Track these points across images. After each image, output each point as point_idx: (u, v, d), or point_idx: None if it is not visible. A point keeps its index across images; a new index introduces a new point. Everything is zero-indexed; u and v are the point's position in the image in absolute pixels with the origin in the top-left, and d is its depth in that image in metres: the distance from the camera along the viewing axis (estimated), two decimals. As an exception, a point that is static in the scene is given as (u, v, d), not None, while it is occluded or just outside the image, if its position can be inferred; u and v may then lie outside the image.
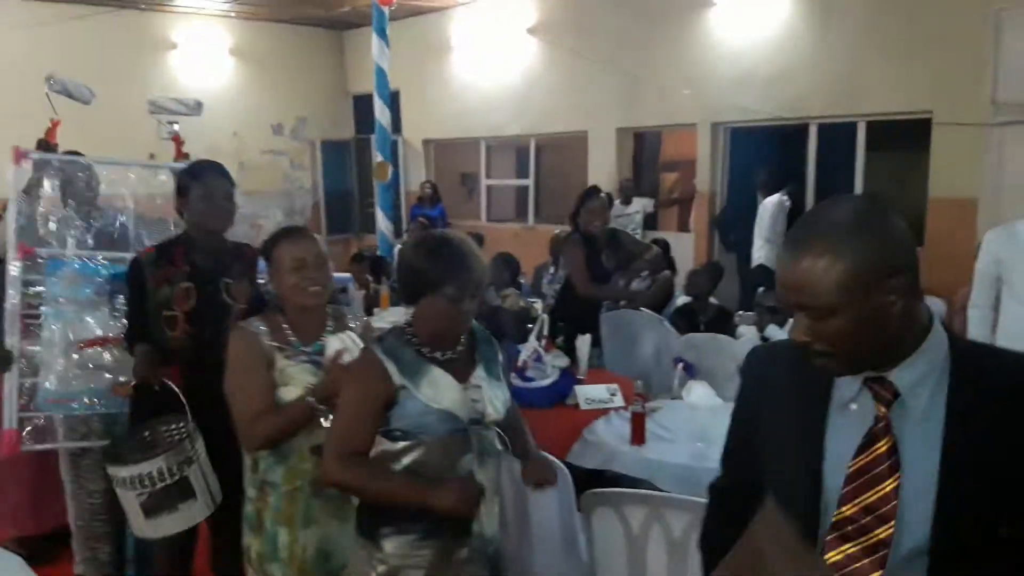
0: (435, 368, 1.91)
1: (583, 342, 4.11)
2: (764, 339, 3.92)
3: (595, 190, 4.68)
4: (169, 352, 2.57)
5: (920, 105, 6.41)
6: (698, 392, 3.33)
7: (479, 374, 1.98)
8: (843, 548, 1.17)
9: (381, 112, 6.74)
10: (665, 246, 6.54)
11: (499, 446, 2.01)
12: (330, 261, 2.33)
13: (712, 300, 5.46)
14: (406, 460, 1.88)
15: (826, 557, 1.18)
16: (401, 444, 1.88)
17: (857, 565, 1.15)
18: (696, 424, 3.19)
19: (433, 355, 1.93)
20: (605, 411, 3.50)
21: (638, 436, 3.09)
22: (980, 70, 6.00)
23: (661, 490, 3.00)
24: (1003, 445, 1.10)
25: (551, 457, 2.32)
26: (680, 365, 3.96)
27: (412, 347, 1.92)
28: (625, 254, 4.73)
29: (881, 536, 1.14)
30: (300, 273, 2.21)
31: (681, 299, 5.83)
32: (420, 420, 1.86)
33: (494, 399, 1.97)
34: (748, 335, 4.64)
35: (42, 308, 2.90)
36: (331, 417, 2.02)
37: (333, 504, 2.18)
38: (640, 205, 8.28)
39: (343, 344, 2.15)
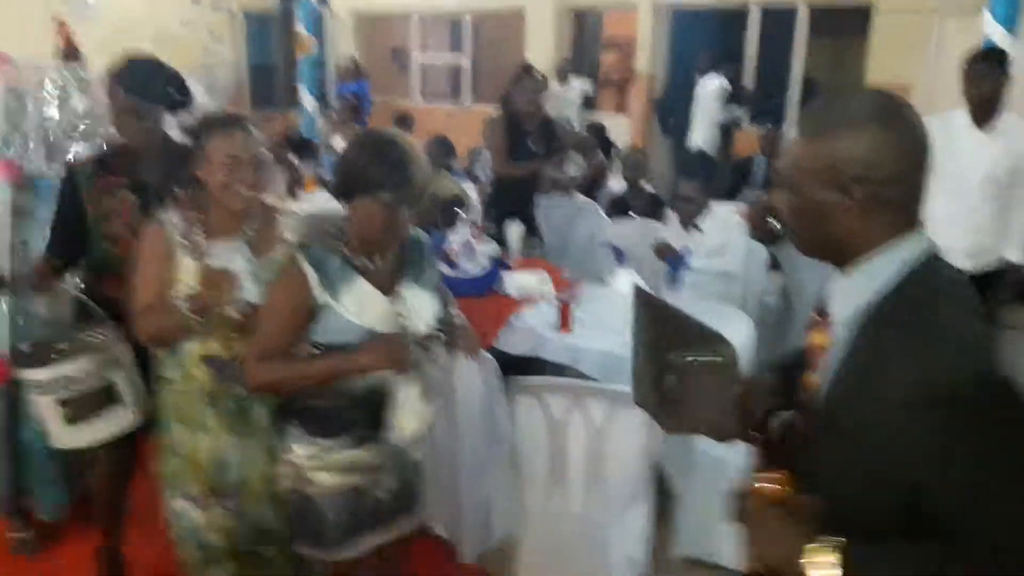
0: (361, 280, 1.83)
1: (514, 230, 4.07)
2: (687, 226, 3.92)
3: (528, 69, 4.53)
4: (107, 265, 2.37)
5: (863, -10, 6.32)
6: (624, 280, 3.34)
7: (407, 284, 1.91)
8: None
9: (305, -19, 6.35)
10: (601, 130, 6.48)
11: (425, 358, 1.95)
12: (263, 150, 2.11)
13: (645, 186, 5.44)
14: None
15: None
16: None
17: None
18: (622, 311, 3.21)
19: (361, 264, 1.85)
20: (535, 299, 3.51)
21: (565, 323, 3.11)
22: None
23: (586, 376, 3.07)
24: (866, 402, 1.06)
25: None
26: (610, 251, 3.97)
27: (339, 254, 1.83)
28: (557, 144, 4.64)
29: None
30: (232, 173, 1.98)
31: (615, 184, 5.80)
32: (341, 337, 1.81)
33: (422, 310, 1.91)
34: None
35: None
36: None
37: (231, 418, 2.07)
38: (578, 85, 8.11)
39: (233, 262, 2.00)
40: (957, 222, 3.36)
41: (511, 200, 4.50)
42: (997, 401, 0.98)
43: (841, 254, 1.13)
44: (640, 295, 1.27)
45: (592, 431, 2.33)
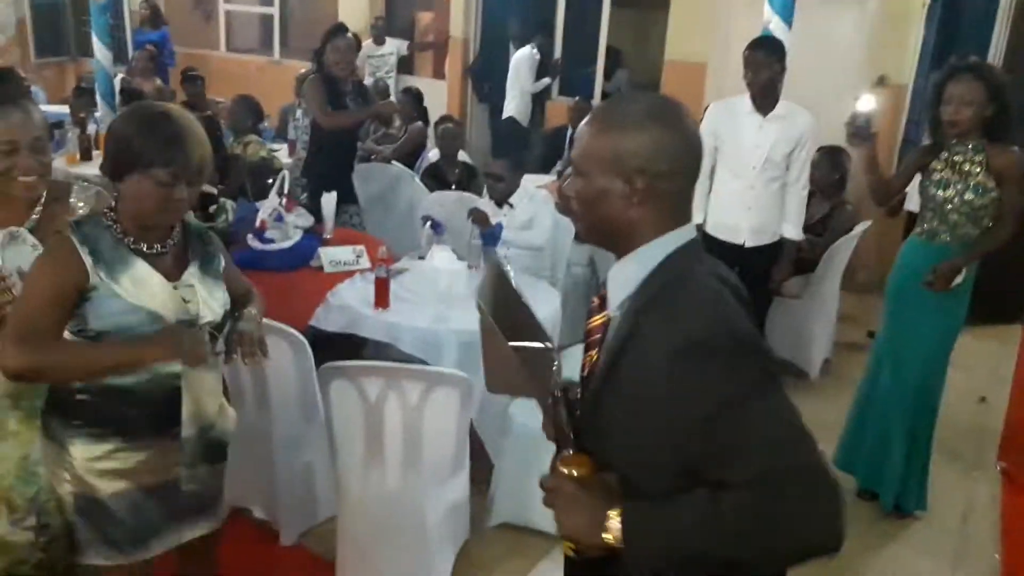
0: (139, 262, 1.72)
1: (328, 200, 3.99)
2: (499, 204, 4.02)
3: (341, 28, 4.42)
4: None
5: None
6: (441, 256, 3.39)
7: (193, 272, 1.81)
8: None
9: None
10: (418, 95, 6.42)
11: (215, 349, 1.84)
12: (48, 131, 1.92)
13: (461, 157, 5.50)
14: None
15: None
16: None
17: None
18: (439, 287, 3.28)
19: (138, 247, 1.73)
20: (351, 273, 3.48)
21: (381, 300, 3.12)
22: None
23: (404, 352, 3.11)
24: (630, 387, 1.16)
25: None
26: (428, 223, 3.99)
27: (113, 235, 1.71)
28: (368, 104, 4.57)
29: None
30: (9, 158, 1.79)
31: (432, 153, 5.81)
32: (121, 320, 1.68)
33: (210, 300, 1.81)
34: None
35: None
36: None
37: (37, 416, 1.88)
38: (394, 46, 7.98)
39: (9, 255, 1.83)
40: (740, 201, 3.69)
41: (327, 168, 4.40)
42: (746, 351, 1.10)
43: (617, 241, 1.23)
44: (495, 272, 1.32)
45: (408, 411, 2.38)
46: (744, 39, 3.80)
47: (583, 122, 1.25)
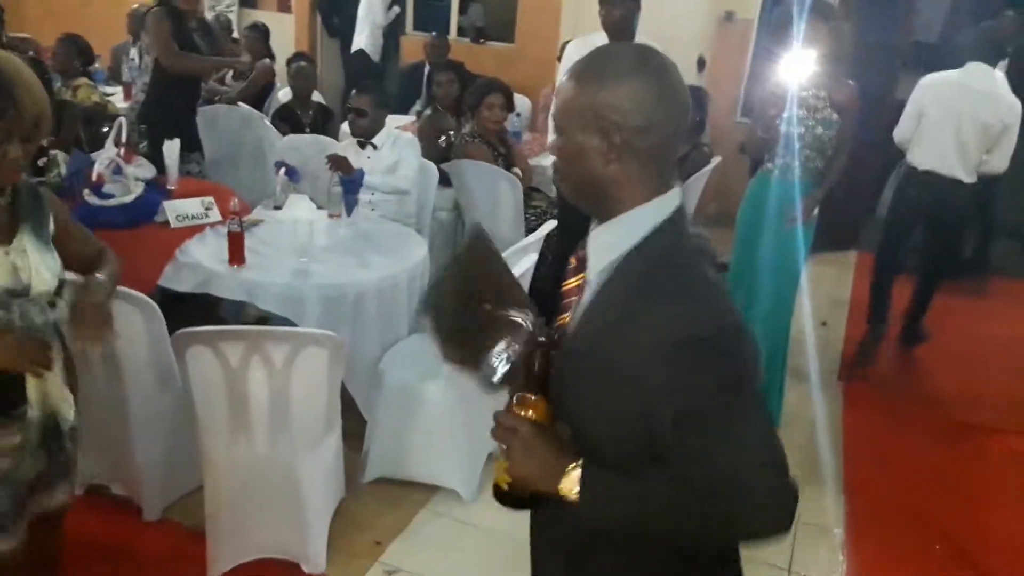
0: None
1: (171, 148, 3.71)
2: (362, 143, 3.87)
3: None
4: None
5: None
6: (298, 206, 3.24)
7: (25, 236, 1.64)
8: None
9: None
10: (264, 32, 6.05)
11: (48, 317, 1.71)
12: None
13: (315, 98, 5.24)
14: None
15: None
16: None
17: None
18: (298, 239, 3.13)
19: None
20: (200, 227, 3.27)
21: (236, 256, 2.94)
22: None
23: (263, 311, 2.97)
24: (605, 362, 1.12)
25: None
26: (282, 170, 3.79)
27: None
28: (215, 49, 4.26)
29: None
30: None
31: (283, 93, 5.52)
32: None
33: (41, 268, 1.65)
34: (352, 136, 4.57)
35: None
36: None
37: None
38: (235, -22, 7.46)
39: None
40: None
41: (168, 112, 4.08)
42: (733, 347, 1.08)
43: (599, 203, 1.17)
44: (479, 236, 1.26)
45: (274, 374, 2.27)
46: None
47: (563, 76, 1.18)
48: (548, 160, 3.97)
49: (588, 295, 1.18)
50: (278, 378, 2.29)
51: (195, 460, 2.52)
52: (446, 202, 4.42)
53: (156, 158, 3.75)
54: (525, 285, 3.09)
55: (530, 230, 4.12)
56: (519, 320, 1.20)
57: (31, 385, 1.66)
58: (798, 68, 3.02)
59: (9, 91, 1.48)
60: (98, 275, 1.82)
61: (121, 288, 2.35)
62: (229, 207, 3.07)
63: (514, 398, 1.20)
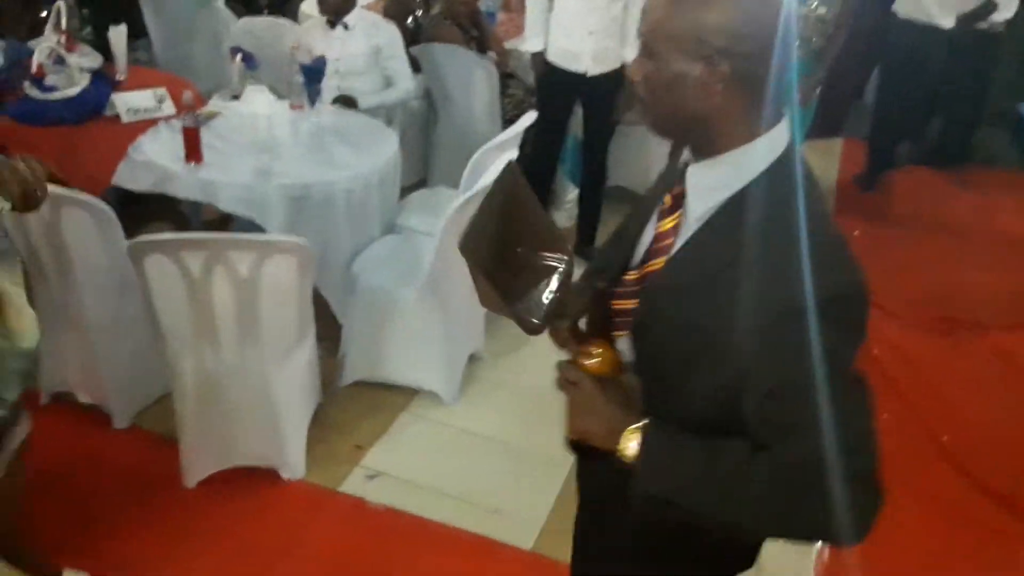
0: None
1: (118, 34, 3.42)
2: (332, 23, 3.56)
3: None
4: None
5: None
6: (257, 98, 3.02)
7: None
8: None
9: None
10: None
11: None
12: None
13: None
14: None
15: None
16: None
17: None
18: (258, 134, 2.94)
19: None
20: (154, 121, 3.05)
21: (193, 153, 2.75)
22: None
23: (222, 212, 2.82)
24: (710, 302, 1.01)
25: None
26: (239, 56, 3.53)
27: None
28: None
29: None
30: None
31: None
32: None
33: None
34: (314, 15, 4.26)
35: None
36: None
37: None
38: None
39: None
40: (582, 24, 3.48)
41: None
42: (857, 314, 0.97)
43: (696, 138, 1.04)
44: (509, 178, 1.12)
45: (239, 284, 2.15)
46: None
47: None
48: (525, 44, 3.73)
49: (685, 239, 1.06)
50: (244, 288, 2.17)
51: (159, 370, 2.43)
52: (417, 89, 4.18)
53: (101, 46, 3.47)
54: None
55: (507, 121, 3.92)
56: (554, 263, 1.11)
57: None
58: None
59: None
60: None
61: (72, 192, 2.19)
62: (183, 99, 2.86)
63: (579, 348, 1.11)
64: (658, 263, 1.09)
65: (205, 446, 2.40)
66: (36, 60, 3.06)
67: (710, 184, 1.03)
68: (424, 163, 4.26)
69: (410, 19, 4.34)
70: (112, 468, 2.49)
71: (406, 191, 3.39)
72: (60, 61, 3.12)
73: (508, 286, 1.09)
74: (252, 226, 2.73)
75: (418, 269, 2.74)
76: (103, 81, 3.21)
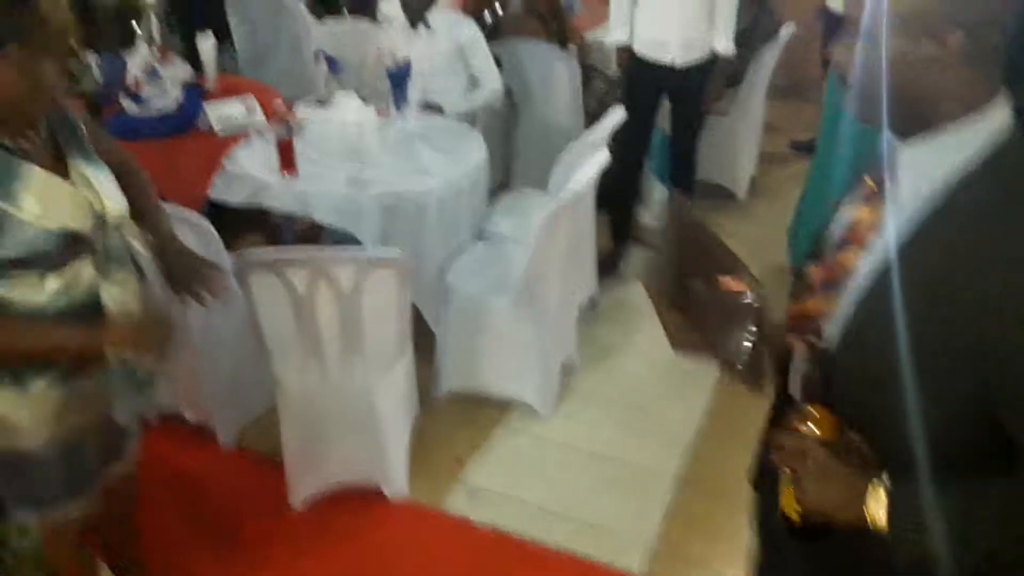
0: (33, 168, 1.40)
1: (206, 43, 3.45)
2: (413, 23, 3.52)
3: None
4: None
5: None
6: (346, 105, 3.00)
7: (78, 161, 1.49)
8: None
9: None
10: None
11: (124, 241, 1.60)
12: None
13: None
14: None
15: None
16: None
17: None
18: (348, 142, 2.92)
19: (17, 146, 1.40)
20: (245, 133, 3.07)
21: (287, 165, 2.76)
22: None
23: (318, 223, 2.82)
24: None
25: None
26: (322, 61, 3.54)
27: None
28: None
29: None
30: None
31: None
32: (36, 246, 1.38)
33: (108, 188, 1.52)
34: (393, 14, 4.22)
35: None
36: None
37: None
38: None
39: None
40: (668, 14, 3.37)
41: (196, 3, 3.80)
42: None
43: (918, 118, 0.94)
44: (675, 208, 1.10)
45: (341, 299, 2.14)
46: None
47: None
48: (610, 36, 3.62)
49: (900, 234, 0.94)
50: (347, 303, 2.16)
51: (265, 383, 2.43)
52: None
53: (189, 53, 3.51)
54: (594, 183, 2.87)
55: (590, 116, 3.84)
56: (743, 297, 1.02)
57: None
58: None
59: (31, 3, 1.30)
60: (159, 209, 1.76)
61: (174, 208, 2.21)
62: (272, 110, 2.86)
63: (794, 412, 1.00)
64: (849, 255, 0.99)
65: (310, 463, 2.40)
66: (132, 74, 3.12)
67: (927, 165, 0.94)
68: (505, 164, 4.20)
69: (489, 13, 4.27)
70: (219, 487, 2.52)
71: (489, 194, 3.34)
72: (155, 74, 3.16)
73: (704, 324, 1.02)
74: (345, 236, 2.73)
75: (510, 276, 2.70)
76: (195, 92, 3.25)
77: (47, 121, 1.49)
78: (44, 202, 1.40)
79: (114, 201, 1.54)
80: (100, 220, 1.50)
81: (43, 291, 1.43)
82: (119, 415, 1.67)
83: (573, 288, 3.01)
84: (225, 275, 1.83)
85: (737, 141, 4.16)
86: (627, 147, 3.67)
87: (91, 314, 1.51)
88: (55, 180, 1.43)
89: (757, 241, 3.44)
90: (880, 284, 0.95)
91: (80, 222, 1.45)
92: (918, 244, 0.92)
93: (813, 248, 1.09)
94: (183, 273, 1.74)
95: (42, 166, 1.43)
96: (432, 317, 2.84)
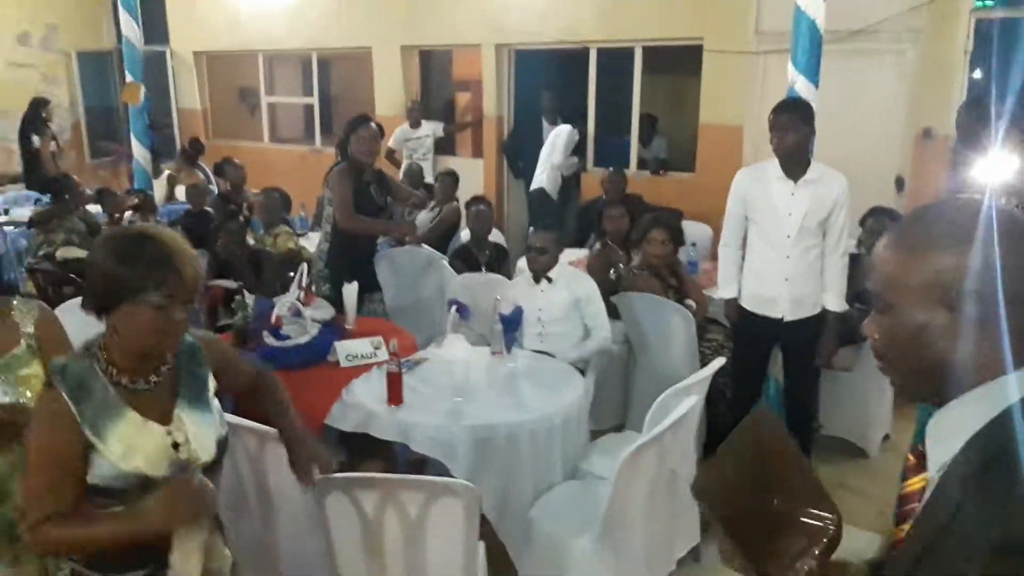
0: (130, 413, 1.62)
1: (349, 290, 3.91)
2: (537, 278, 3.84)
3: (363, 119, 4.39)
4: None
5: (691, 32, 6.56)
6: (454, 345, 3.24)
7: (185, 405, 1.71)
8: None
9: (127, 24, 5.96)
10: (455, 178, 6.39)
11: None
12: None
13: (493, 238, 5.40)
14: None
15: None
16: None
17: None
18: (454, 378, 3.13)
19: (133, 385, 1.64)
20: (368, 367, 3.36)
21: (394, 396, 2.98)
22: (746, 1, 6.21)
23: (414, 451, 2.94)
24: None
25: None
26: (454, 308, 3.87)
27: (104, 376, 1.62)
28: (389, 195, 4.53)
29: None
30: None
31: (464, 234, 5.74)
32: (111, 482, 1.59)
33: (202, 437, 1.70)
34: (526, 271, 4.61)
35: None
36: None
37: None
38: (430, 129, 8.03)
39: None
40: (777, 271, 3.46)
41: (348, 257, 4.33)
42: None
43: (940, 388, 0.96)
44: (758, 418, 1.13)
45: (408, 525, 2.20)
46: (779, 99, 3.66)
47: (879, 244, 1.01)
48: (719, 292, 3.76)
49: (927, 501, 0.96)
50: (412, 528, 2.22)
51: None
52: (616, 335, 4.27)
53: (338, 300, 3.96)
54: (692, 426, 2.86)
55: (705, 364, 3.88)
56: (819, 523, 1.01)
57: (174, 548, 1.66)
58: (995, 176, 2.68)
59: (169, 260, 1.58)
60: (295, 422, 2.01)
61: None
62: (390, 347, 3.14)
63: None
64: (904, 529, 0.99)
65: None
66: (276, 312, 3.56)
67: (946, 431, 0.95)
68: (623, 408, 4.26)
69: (612, 271, 4.55)
70: None
71: (602, 435, 3.38)
72: (297, 313, 3.59)
73: (755, 542, 1.00)
74: (445, 468, 2.83)
75: (596, 517, 2.66)
76: (331, 330, 3.63)
77: (176, 364, 1.73)
78: (128, 448, 1.60)
79: (202, 449, 1.70)
80: (184, 465, 1.65)
81: None
82: None
83: (668, 535, 2.89)
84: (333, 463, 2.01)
85: (865, 398, 4.00)
86: (740, 395, 3.65)
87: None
88: (146, 428, 1.63)
89: (884, 500, 3.20)
90: (910, 557, 0.94)
91: (154, 469, 1.62)
92: (925, 517, 0.94)
93: None
94: (304, 460, 1.96)
95: (150, 407, 1.64)
96: (516, 554, 2.81)
